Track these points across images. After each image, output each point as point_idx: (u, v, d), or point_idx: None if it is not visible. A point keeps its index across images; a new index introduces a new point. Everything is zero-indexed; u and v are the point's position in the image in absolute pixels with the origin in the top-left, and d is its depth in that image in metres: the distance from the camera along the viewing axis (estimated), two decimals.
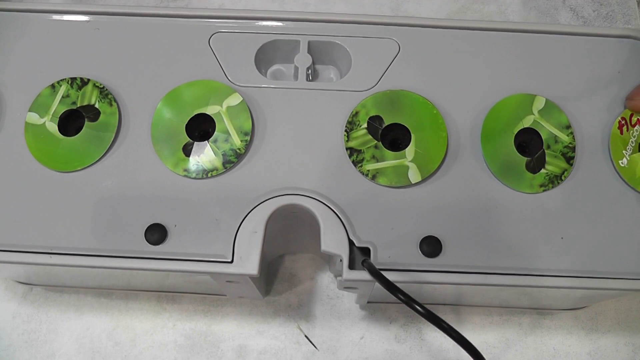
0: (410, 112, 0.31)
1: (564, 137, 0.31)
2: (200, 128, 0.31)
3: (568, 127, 0.31)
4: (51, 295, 0.39)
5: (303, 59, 0.32)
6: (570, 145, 0.31)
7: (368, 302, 0.37)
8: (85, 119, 0.31)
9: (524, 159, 0.30)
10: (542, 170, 0.30)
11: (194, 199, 0.29)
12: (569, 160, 0.30)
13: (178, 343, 0.38)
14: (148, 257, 0.28)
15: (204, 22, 0.33)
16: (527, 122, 0.31)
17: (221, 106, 0.31)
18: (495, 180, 0.30)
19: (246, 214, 0.29)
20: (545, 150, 0.30)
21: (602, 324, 0.39)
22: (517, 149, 0.30)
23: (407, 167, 0.30)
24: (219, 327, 0.38)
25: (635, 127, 0.31)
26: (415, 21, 0.33)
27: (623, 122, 0.31)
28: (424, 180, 0.30)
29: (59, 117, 0.31)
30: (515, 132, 0.31)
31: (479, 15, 0.47)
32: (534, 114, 0.31)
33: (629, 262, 0.29)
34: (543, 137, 0.31)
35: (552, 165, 0.30)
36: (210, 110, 0.31)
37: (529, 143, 0.31)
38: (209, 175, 0.30)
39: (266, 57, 0.33)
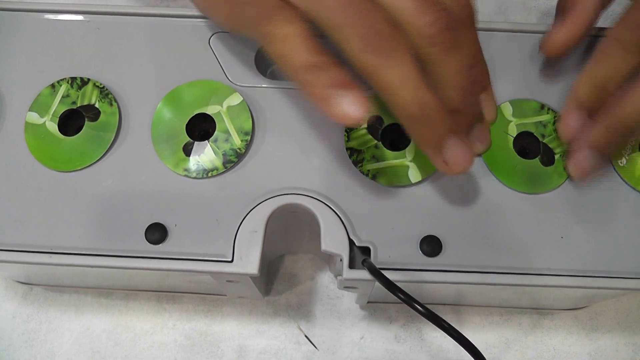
0: None
1: (546, 117, 0.31)
2: (201, 128, 0.31)
3: (542, 107, 0.31)
4: (51, 295, 0.39)
5: None
6: (556, 118, 0.31)
7: (368, 302, 0.37)
8: (86, 119, 0.31)
9: (530, 161, 0.30)
10: (557, 156, 0.30)
11: (194, 199, 0.29)
12: None
13: (178, 343, 0.38)
14: (148, 257, 0.28)
15: (205, 22, 0.33)
16: (515, 128, 0.31)
17: (221, 106, 0.31)
18: (495, 180, 0.30)
19: (246, 213, 0.29)
20: (543, 141, 0.30)
21: (602, 324, 0.39)
22: (519, 154, 0.30)
23: (408, 167, 0.30)
24: (219, 327, 0.38)
25: None
26: None
27: None
28: (424, 179, 0.30)
29: (59, 117, 0.31)
30: (514, 135, 0.31)
31: (479, 16, 0.47)
32: (511, 120, 0.31)
33: (629, 261, 0.29)
34: (533, 130, 0.31)
35: (558, 146, 0.30)
36: (210, 110, 0.31)
37: (528, 145, 0.31)
38: (209, 175, 0.30)
39: (266, 57, 0.33)
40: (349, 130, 0.30)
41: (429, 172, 0.30)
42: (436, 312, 0.26)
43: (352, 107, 0.23)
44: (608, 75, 0.28)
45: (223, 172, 0.30)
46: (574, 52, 0.32)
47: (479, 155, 0.30)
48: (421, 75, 0.24)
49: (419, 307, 0.25)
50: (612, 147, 0.29)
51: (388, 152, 0.30)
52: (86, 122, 0.31)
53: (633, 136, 0.30)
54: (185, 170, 0.30)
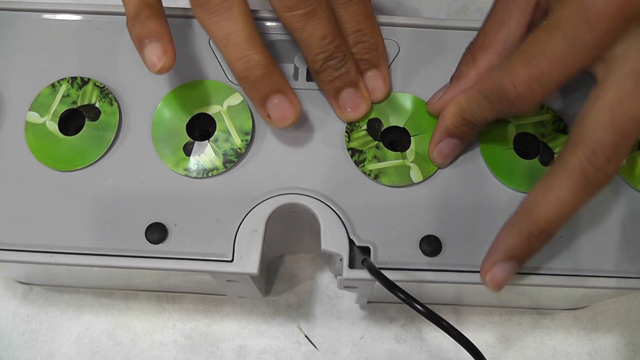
0: (410, 112, 0.31)
1: (545, 116, 0.31)
2: (201, 128, 0.31)
3: (542, 107, 0.31)
4: (51, 295, 0.39)
5: (303, 59, 0.32)
6: (555, 117, 0.31)
7: (368, 302, 0.37)
8: (86, 119, 0.31)
9: (528, 161, 0.30)
10: (556, 156, 0.30)
11: (194, 198, 0.29)
12: (565, 130, 0.31)
13: (178, 343, 0.38)
14: (148, 256, 0.28)
15: None
16: (514, 128, 0.31)
17: (222, 106, 0.31)
18: (495, 180, 0.30)
19: (246, 213, 0.29)
20: (543, 140, 0.30)
21: (602, 324, 0.39)
22: (519, 154, 0.30)
23: (409, 167, 0.30)
24: (219, 327, 0.38)
25: None
26: (415, 21, 0.33)
27: None
28: (425, 179, 0.30)
29: (59, 117, 0.31)
30: (513, 135, 0.31)
31: (479, 15, 0.47)
32: (511, 120, 0.31)
33: (629, 261, 0.29)
34: (532, 130, 0.31)
35: (558, 145, 0.30)
36: (211, 110, 0.31)
37: (528, 145, 0.31)
38: (210, 174, 0.30)
39: None
40: (349, 131, 0.30)
41: (430, 172, 0.30)
42: (436, 312, 0.26)
43: (154, 56, 0.26)
44: (474, 116, 0.28)
45: (223, 172, 0.30)
46: None
47: (352, 121, 0.31)
48: (253, 35, 0.26)
49: (418, 306, 0.25)
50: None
51: (389, 153, 0.30)
52: (86, 122, 0.31)
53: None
54: (186, 170, 0.30)
